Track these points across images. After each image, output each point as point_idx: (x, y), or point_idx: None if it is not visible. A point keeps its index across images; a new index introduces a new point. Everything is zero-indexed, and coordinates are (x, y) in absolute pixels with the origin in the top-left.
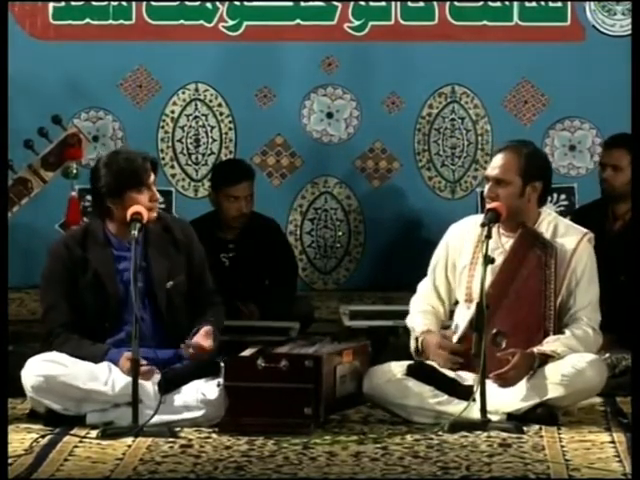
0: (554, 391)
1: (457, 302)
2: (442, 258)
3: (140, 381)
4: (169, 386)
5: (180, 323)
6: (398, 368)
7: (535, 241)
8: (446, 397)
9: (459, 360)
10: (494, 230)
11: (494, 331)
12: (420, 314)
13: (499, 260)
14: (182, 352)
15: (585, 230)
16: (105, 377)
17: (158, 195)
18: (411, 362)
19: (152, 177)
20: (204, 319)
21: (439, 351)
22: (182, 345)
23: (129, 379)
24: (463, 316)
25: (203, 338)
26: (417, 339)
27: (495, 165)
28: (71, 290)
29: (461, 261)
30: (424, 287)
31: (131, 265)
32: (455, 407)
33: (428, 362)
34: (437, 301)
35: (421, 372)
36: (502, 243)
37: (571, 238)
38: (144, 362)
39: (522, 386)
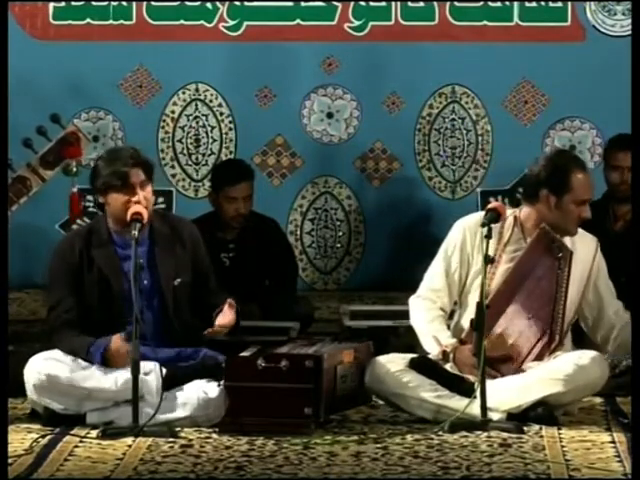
0: (554, 387)
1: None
2: (459, 243)
3: (143, 377)
4: (172, 383)
5: (186, 322)
6: (400, 360)
7: (551, 243)
8: (447, 392)
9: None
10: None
11: (499, 331)
12: (437, 321)
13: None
14: (186, 351)
15: (593, 236)
16: (107, 374)
17: (137, 198)
18: (414, 356)
19: (136, 179)
20: (221, 301)
21: (474, 369)
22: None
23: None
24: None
25: (222, 317)
26: (444, 352)
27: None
28: (75, 288)
29: (479, 256)
30: (435, 280)
31: (131, 266)
32: (455, 402)
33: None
34: (446, 296)
35: (423, 366)
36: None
37: (587, 244)
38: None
39: (522, 383)
